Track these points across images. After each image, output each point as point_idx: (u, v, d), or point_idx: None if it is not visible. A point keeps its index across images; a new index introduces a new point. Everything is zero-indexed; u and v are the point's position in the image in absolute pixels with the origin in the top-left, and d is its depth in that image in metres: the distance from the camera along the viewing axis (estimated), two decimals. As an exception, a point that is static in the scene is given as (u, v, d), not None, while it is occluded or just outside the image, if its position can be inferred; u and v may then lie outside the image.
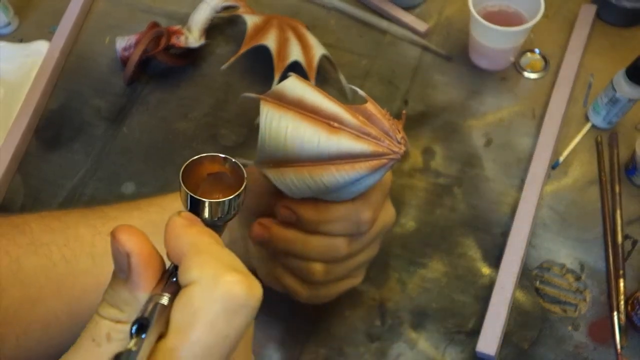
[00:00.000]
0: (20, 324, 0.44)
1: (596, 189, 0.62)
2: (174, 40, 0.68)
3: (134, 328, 0.26)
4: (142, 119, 0.69)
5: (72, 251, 0.46)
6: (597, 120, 0.64)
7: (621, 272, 0.56)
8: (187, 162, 0.32)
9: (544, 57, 0.70)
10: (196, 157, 0.33)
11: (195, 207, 0.32)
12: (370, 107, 0.37)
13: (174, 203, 0.50)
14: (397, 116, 0.41)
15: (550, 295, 0.57)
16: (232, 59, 0.65)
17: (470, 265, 0.58)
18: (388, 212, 0.47)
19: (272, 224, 0.45)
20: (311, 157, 0.37)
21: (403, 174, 0.64)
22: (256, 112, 0.66)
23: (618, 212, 0.60)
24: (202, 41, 0.70)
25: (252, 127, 0.67)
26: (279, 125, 0.38)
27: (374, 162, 0.36)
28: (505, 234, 0.59)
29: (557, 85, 0.67)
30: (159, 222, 0.49)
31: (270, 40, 0.66)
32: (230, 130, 0.68)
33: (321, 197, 0.41)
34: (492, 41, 0.65)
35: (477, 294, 0.57)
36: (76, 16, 0.75)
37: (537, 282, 0.57)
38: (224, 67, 0.66)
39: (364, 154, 0.36)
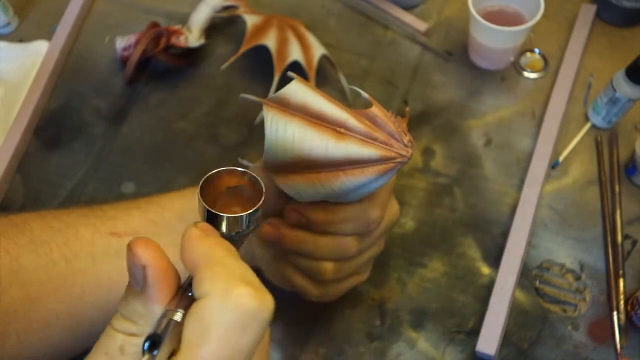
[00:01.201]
0: (21, 323, 0.44)
1: (596, 189, 0.62)
2: (174, 41, 0.68)
3: (147, 345, 0.26)
4: (142, 119, 0.69)
5: (72, 250, 0.46)
6: (597, 120, 0.64)
7: (621, 272, 0.56)
8: (206, 176, 0.32)
9: (544, 57, 0.70)
10: (215, 171, 0.33)
11: (213, 222, 0.32)
12: (376, 110, 0.37)
13: (174, 202, 0.50)
14: (400, 113, 0.41)
15: (550, 295, 0.57)
16: (232, 59, 0.65)
17: (470, 265, 0.58)
18: (393, 209, 0.47)
19: (282, 225, 0.44)
20: (320, 164, 0.37)
21: (403, 174, 0.63)
22: (257, 112, 0.67)
23: (618, 212, 0.60)
24: (202, 41, 0.70)
25: (252, 127, 0.67)
26: (286, 133, 0.37)
27: (383, 167, 0.35)
28: (505, 234, 0.59)
29: (557, 85, 0.67)
30: (159, 222, 0.49)
31: (270, 40, 0.66)
32: (231, 130, 0.68)
33: (330, 200, 0.41)
34: (492, 41, 0.65)
35: (477, 294, 0.57)
36: (76, 16, 0.75)
37: (537, 282, 0.57)
38: (224, 67, 0.66)
39: (372, 159, 0.36)
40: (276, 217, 0.45)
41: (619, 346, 0.53)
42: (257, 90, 0.70)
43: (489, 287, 0.56)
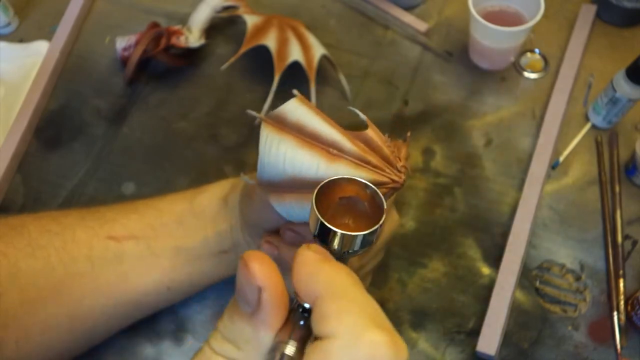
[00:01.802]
0: (20, 327, 0.44)
1: (596, 189, 0.62)
2: (174, 41, 0.68)
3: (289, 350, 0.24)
4: (142, 119, 0.69)
5: (70, 254, 0.46)
6: (597, 120, 0.64)
7: (621, 272, 0.56)
8: (323, 183, 0.30)
9: (544, 57, 0.70)
10: (334, 177, 0.30)
11: (324, 235, 0.28)
12: (371, 133, 0.36)
13: (172, 206, 0.49)
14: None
15: (550, 295, 0.57)
16: (232, 59, 0.65)
17: (470, 265, 0.58)
18: (393, 219, 0.47)
19: (280, 243, 0.43)
20: (310, 185, 0.35)
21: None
22: (256, 112, 0.66)
23: (618, 212, 0.60)
24: (202, 41, 0.70)
25: (252, 127, 0.67)
26: (278, 150, 0.36)
27: (378, 174, 0.34)
28: (505, 234, 0.59)
29: (557, 85, 0.67)
30: (157, 226, 0.48)
31: (270, 40, 0.66)
32: (231, 130, 0.68)
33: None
34: (492, 41, 0.65)
35: (477, 294, 0.57)
36: (76, 16, 0.75)
37: (537, 282, 0.57)
38: (224, 67, 0.66)
39: None
40: (274, 235, 0.44)
41: (619, 346, 0.53)
42: (257, 90, 0.70)
43: (489, 287, 0.56)
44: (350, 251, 0.29)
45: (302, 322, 0.26)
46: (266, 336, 0.26)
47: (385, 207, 0.30)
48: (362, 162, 0.34)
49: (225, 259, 0.50)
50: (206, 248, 0.49)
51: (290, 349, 0.25)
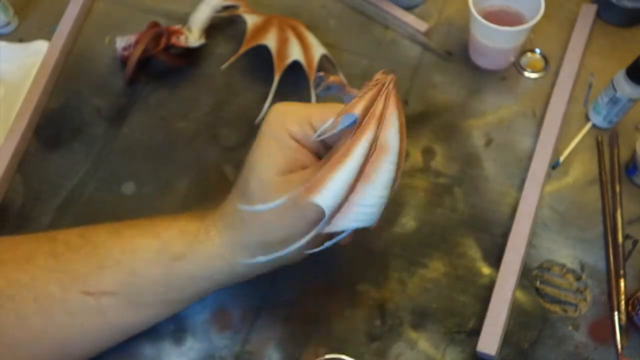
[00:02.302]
0: None
1: (596, 189, 0.62)
2: (174, 40, 0.68)
3: None
4: (142, 119, 0.69)
5: (44, 308, 0.44)
6: (598, 119, 0.64)
7: (622, 272, 0.56)
8: None
9: (544, 57, 0.70)
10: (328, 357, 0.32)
11: None
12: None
13: (149, 270, 0.46)
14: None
15: (550, 295, 0.57)
16: (232, 59, 0.65)
17: (471, 265, 0.58)
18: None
19: None
20: None
21: (403, 174, 0.63)
22: (257, 112, 0.67)
23: (618, 211, 0.59)
24: (202, 41, 0.70)
25: (252, 127, 0.67)
26: None
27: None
28: (505, 234, 0.59)
29: (558, 85, 0.66)
30: (132, 283, 0.45)
31: (270, 40, 0.66)
32: (231, 130, 0.68)
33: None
34: (493, 41, 0.65)
35: (477, 293, 0.57)
36: (76, 16, 0.75)
37: (538, 282, 0.57)
38: (224, 66, 0.66)
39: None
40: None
41: (619, 346, 0.53)
42: (257, 90, 0.70)
43: (489, 287, 0.56)
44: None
45: None
46: None
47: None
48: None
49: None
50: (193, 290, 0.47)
51: None
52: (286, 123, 0.42)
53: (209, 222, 0.45)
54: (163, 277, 0.45)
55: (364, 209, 0.39)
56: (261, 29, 0.67)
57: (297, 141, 0.43)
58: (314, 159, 0.44)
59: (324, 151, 0.45)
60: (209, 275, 0.46)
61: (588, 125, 0.65)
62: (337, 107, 0.42)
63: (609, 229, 0.59)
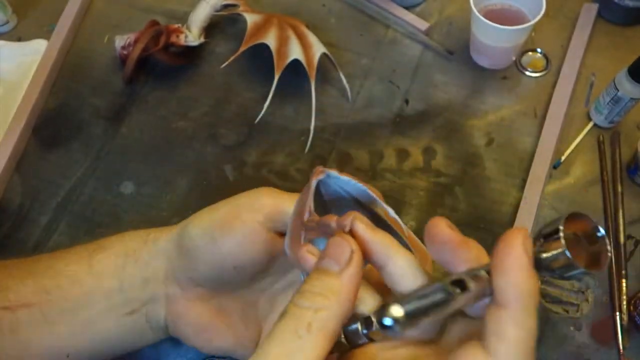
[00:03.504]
0: None
1: (598, 189, 0.61)
2: (173, 39, 0.68)
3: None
4: (141, 118, 0.69)
5: None
6: (599, 119, 0.64)
7: (623, 272, 0.56)
8: (571, 214, 0.29)
9: (545, 56, 0.69)
10: (582, 214, 0.29)
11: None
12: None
13: (70, 265, 0.45)
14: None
15: (552, 295, 0.56)
16: (232, 58, 0.65)
17: (472, 265, 0.58)
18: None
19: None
20: None
21: (404, 174, 0.63)
22: (256, 112, 0.66)
23: (620, 212, 0.59)
24: (202, 40, 0.70)
25: (252, 127, 0.67)
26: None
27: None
28: (506, 234, 0.58)
29: (559, 84, 0.66)
30: (51, 289, 0.44)
31: (270, 39, 0.65)
32: (230, 129, 0.67)
33: None
34: (494, 40, 0.64)
35: (478, 294, 0.57)
36: (75, 15, 0.75)
37: (539, 282, 0.57)
38: (223, 65, 0.65)
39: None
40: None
41: (621, 347, 0.53)
42: (257, 89, 0.69)
43: (490, 288, 0.56)
44: (559, 274, 0.28)
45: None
46: (352, 289, 0.29)
47: (609, 255, 0.29)
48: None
49: (132, 322, 0.46)
50: (108, 308, 0.45)
51: (398, 311, 0.26)
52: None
53: (146, 255, 0.45)
54: (80, 273, 0.45)
55: None
56: (261, 28, 0.67)
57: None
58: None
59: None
60: (119, 285, 0.45)
61: (589, 125, 0.65)
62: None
63: (611, 229, 0.59)
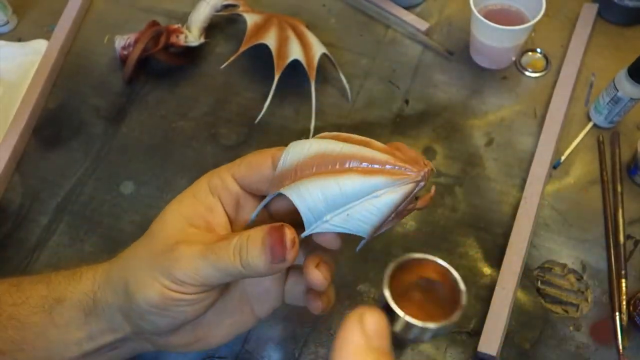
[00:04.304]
0: None
1: (598, 189, 0.61)
2: (173, 39, 0.68)
3: None
4: (142, 118, 0.69)
5: None
6: (599, 119, 0.64)
7: (623, 272, 0.56)
8: (401, 259, 0.29)
9: (545, 56, 0.70)
10: (417, 256, 0.29)
11: (390, 314, 0.28)
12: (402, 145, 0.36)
13: (31, 316, 0.43)
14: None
15: (551, 295, 0.56)
16: (232, 58, 0.65)
17: (472, 265, 0.58)
18: None
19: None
20: (335, 162, 0.34)
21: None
22: (256, 112, 0.66)
23: (620, 211, 0.59)
24: (202, 40, 0.70)
25: (252, 126, 0.67)
26: (306, 142, 0.35)
27: (392, 175, 0.33)
28: (506, 234, 0.58)
29: (559, 84, 0.66)
30: (18, 341, 0.42)
31: (270, 39, 0.65)
32: (230, 129, 0.67)
33: (334, 215, 0.35)
34: (494, 40, 0.64)
35: (478, 294, 0.57)
36: (75, 15, 0.75)
37: (539, 282, 0.57)
38: (223, 66, 0.65)
39: (387, 167, 0.34)
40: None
41: (620, 347, 0.53)
42: (257, 90, 0.69)
43: (490, 287, 0.56)
44: (413, 339, 0.28)
45: None
46: None
47: (464, 301, 0.28)
48: (387, 152, 0.33)
49: (118, 352, 0.44)
50: (85, 352, 0.43)
51: None
52: (208, 176, 0.40)
53: (102, 267, 0.42)
54: (44, 326, 0.43)
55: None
56: (261, 28, 0.67)
57: (217, 195, 0.39)
58: (226, 224, 0.40)
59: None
60: (87, 335, 0.42)
61: (589, 125, 0.65)
62: (261, 159, 0.38)
63: (610, 229, 0.59)
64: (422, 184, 0.32)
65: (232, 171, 0.39)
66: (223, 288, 0.41)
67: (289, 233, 0.33)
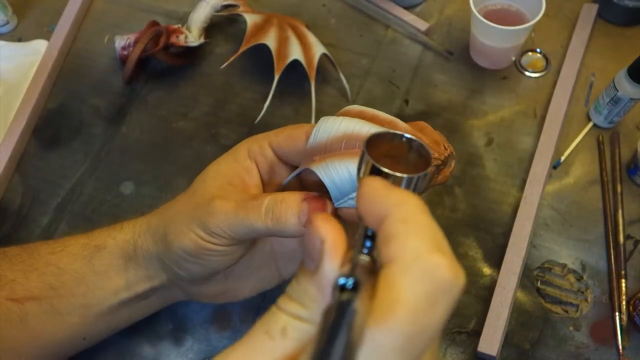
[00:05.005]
0: None
1: (598, 189, 0.61)
2: (173, 39, 0.68)
3: (348, 282, 0.24)
4: (142, 118, 0.69)
5: None
6: (599, 119, 0.64)
7: (623, 272, 0.56)
8: (371, 134, 0.30)
9: (545, 57, 0.70)
10: (381, 131, 0.31)
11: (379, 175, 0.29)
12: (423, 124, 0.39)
13: (72, 264, 0.46)
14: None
15: (551, 295, 0.56)
16: (232, 58, 0.65)
17: (471, 265, 0.58)
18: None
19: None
20: (359, 142, 0.37)
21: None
22: (256, 112, 0.66)
23: (620, 212, 0.59)
24: (202, 40, 0.70)
25: (252, 126, 0.67)
26: (336, 120, 0.38)
27: None
28: (506, 234, 0.58)
29: (559, 84, 0.66)
30: (57, 286, 0.45)
31: (270, 39, 0.65)
32: (230, 129, 0.67)
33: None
34: (493, 40, 0.65)
35: (478, 294, 0.57)
36: (75, 15, 0.75)
37: (539, 283, 0.57)
38: (223, 66, 0.65)
39: None
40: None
41: (620, 347, 0.53)
42: (257, 90, 0.69)
43: (490, 287, 0.56)
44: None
45: (366, 251, 0.26)
46: (328, 291, 0.26)
47: (431, 158, 0.30)
48: (411, 133, 0.35)
49: (148, 302, 0.47)
50: (120, 302, 0.46)
51: (349, 282, 0.24)
52: (248, 141, 0.43)
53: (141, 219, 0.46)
54: (83, 272, 0.45)
55: None
56: (261, 28, 0.67)
57: (254, 160, 0.42)
58: (260, 186, 0.43)
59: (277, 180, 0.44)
60: (125, 283, 0.45)
61: (589, 125, 0.65)
62: (299, 130, 0.41)
63: (610, 229, 0.59)
64: (441, 167, 0.36)
65: (270, 140, 0.42)
66: (252, 243, 0.44)
67: (330, 205, 0.37)
